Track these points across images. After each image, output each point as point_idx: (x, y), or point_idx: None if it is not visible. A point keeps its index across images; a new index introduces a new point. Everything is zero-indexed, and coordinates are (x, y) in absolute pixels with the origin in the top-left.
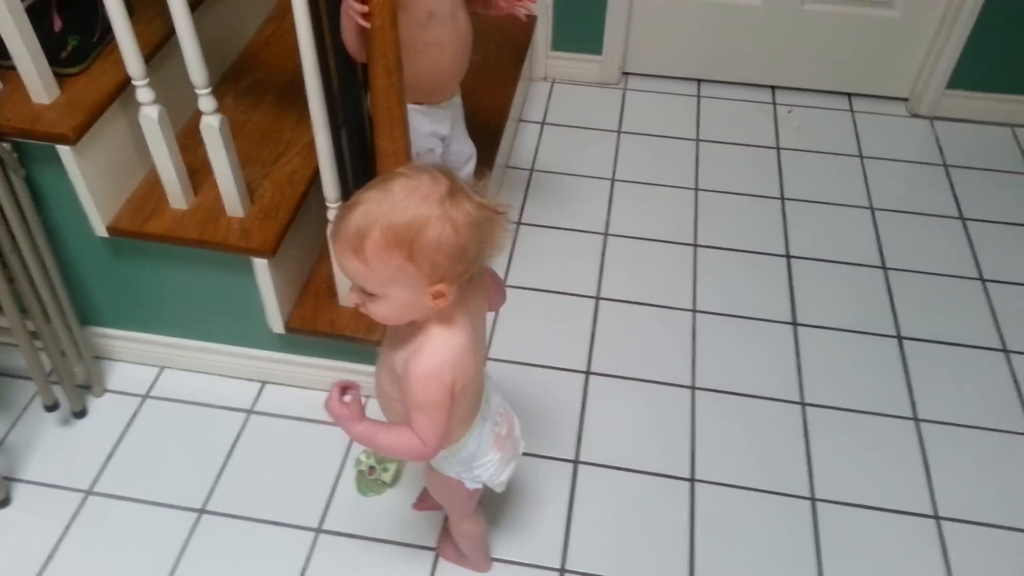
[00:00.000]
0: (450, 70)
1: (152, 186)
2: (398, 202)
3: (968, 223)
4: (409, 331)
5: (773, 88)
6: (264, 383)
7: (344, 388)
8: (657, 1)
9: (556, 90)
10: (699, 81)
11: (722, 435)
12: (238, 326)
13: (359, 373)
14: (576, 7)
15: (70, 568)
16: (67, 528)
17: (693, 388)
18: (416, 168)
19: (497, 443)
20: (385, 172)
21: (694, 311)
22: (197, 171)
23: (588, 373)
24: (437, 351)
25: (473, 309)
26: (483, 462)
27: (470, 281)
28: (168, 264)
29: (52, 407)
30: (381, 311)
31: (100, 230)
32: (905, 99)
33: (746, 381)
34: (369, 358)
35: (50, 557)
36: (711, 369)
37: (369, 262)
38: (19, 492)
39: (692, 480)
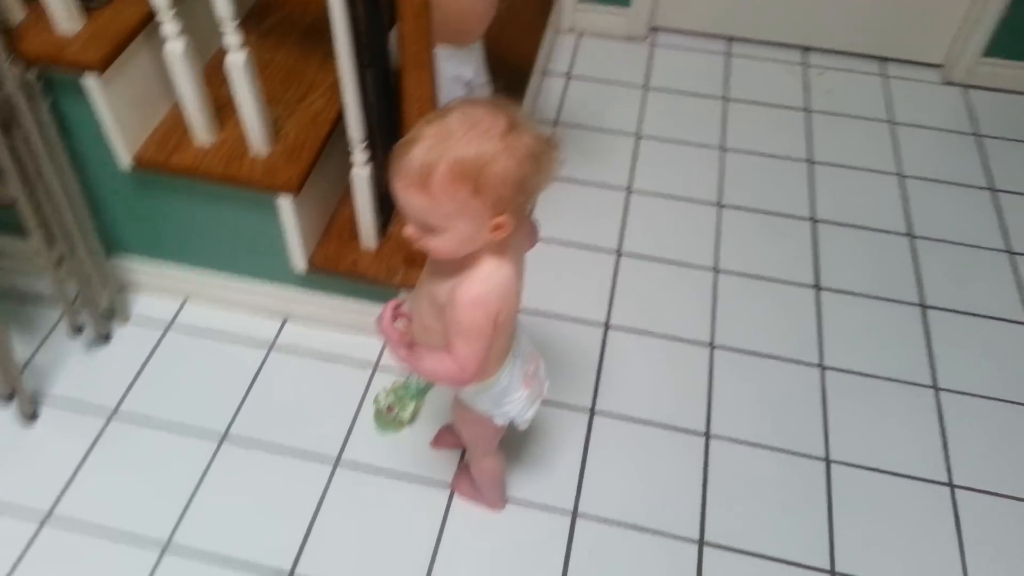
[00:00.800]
0: (479, 11)
1: (176, 121)
2: (461, 137)
3: (998, 194)
4: (458, 261)
5: (804, 49)
6: (285, 319)
7: (396, 310)
8: None
9: (582, 43)
10: (729, 39)
11: (739, 393)
12: (261, 262)
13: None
14: None
15: (93, 487)
16: (90, 449)
17: (712, 346)
18: (472, 103)
19: (526, 380)
20: (413, 115)
21: (716, 270)
22: (222, 108)
23: (607, 326)
24: (485, 279)
25: (517, 245)
26: (513, 398)
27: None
28: (192, 198)
29: (77, 332)
30: (441, 244)
31: (125, 162)
32: (939, 66)
33: (765, 341)
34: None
35: (73, 476)
36: (730, 328)
37: (434, 197)
38: (44, 412)
39: (707, 435)
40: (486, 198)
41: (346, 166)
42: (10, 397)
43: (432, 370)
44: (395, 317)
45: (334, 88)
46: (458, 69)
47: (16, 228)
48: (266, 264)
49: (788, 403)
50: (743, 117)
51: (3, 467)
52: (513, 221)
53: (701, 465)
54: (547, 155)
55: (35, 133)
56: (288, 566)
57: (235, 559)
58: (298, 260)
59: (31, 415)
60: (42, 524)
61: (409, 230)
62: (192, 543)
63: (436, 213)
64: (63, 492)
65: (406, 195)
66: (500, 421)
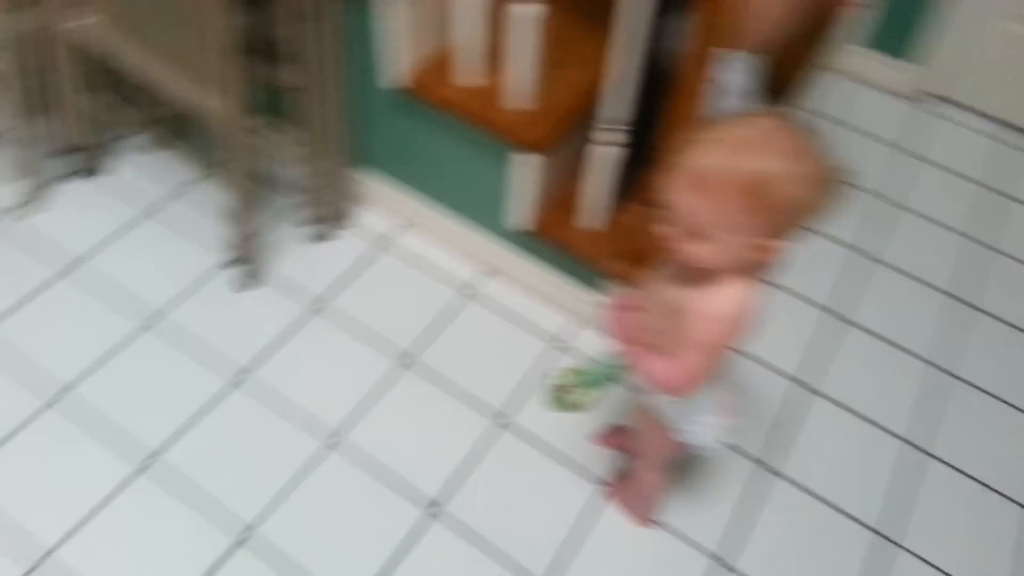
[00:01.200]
0: (775, 15)
1: (446, 55)
2: (756, 149)
3: None
4: (704, 271)
5: None
6: (489, 271)
7: (627, 303)
8: (1012, 31)
9: (853, 89)
10: (1013, 127)
11: (935, 508)
12: (484, 211)
13: (577, 297)
14: (903, 8)
15: (284, 365)
16: (287, 331)
17: (922, 451)
18: (773, 114)
19: (722, 409)
20: (681, 109)
21: (948, 373)
22: (489, 54)
23: (810, 389)
24: (735, 299)
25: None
26: (703, 420)
27: None
28: (441, 132)
29: (305, 225)
30: (698, 252)
31: (393, 80)
32: None
33: (982, 468)
34: (590, 283)
35: (267, 350)
36: (948, 439)
37: (712, 205)
38: (259, 287)
39: (882, 537)
40: (764, 219)
41: (589, 142)
42: (237, 263)
43: (652, 372)
44: (625, 310)
45: (600, 60)
46: (740, 76)
47: (283, 113)
48: (488, 214)
49: (989, 543)
50: (1005, 212)
51: (211, 326)
52: (781, 248)
53: (863, 564)
54: (831, 185)
55: (332, 33)
56: (429, 497)
57: (390, 471)
58: (519, 218)
59: (246, 285)
60: (233, 386)
61: (666, 229)
62: (355, 443)
63: (705, 220)
64: (255, 361)
65: (683, 196)
66: (681, 438)
